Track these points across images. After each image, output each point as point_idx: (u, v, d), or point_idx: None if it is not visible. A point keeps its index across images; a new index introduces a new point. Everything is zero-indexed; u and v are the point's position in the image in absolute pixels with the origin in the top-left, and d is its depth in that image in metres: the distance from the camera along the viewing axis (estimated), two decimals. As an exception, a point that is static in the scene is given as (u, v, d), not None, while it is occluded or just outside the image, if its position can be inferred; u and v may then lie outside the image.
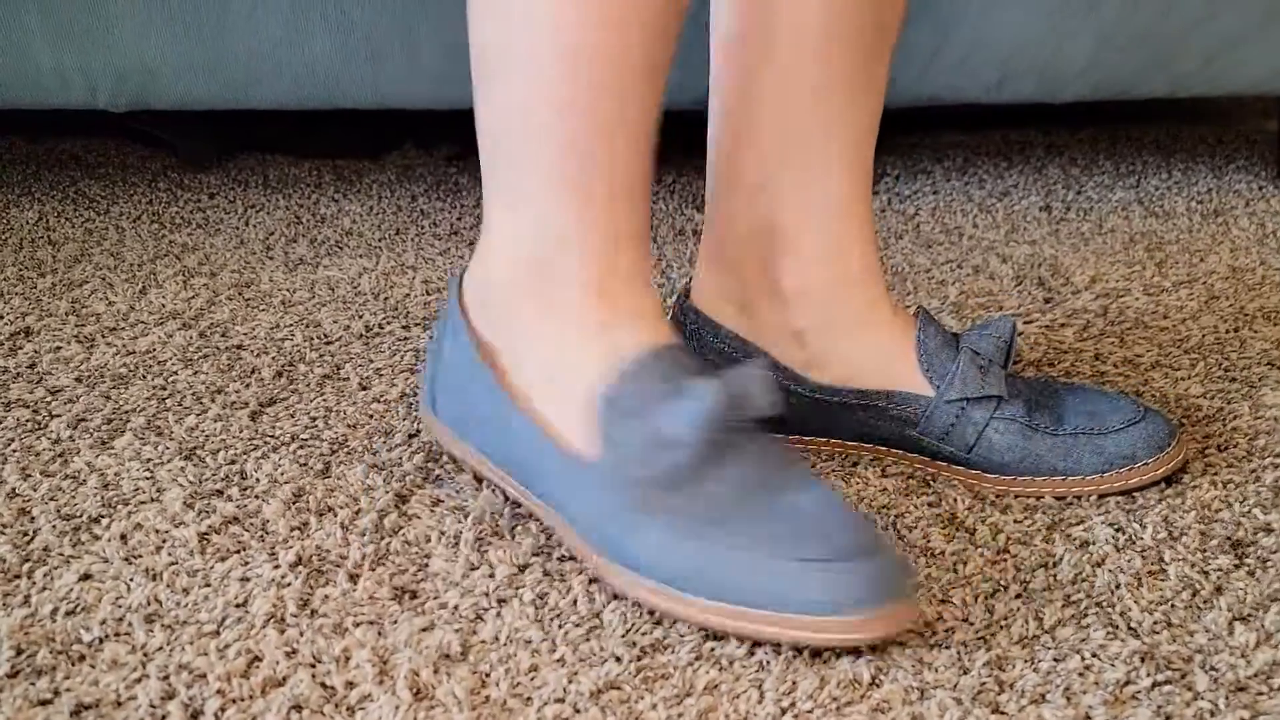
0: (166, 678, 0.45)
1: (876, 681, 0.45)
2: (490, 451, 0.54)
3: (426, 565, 0.52)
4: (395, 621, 0.48)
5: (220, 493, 0.58)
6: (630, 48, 0.48)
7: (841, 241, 0.58)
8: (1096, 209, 1.08)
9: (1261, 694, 0.44)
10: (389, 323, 0.79)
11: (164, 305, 0.82)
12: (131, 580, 0.51)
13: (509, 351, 0.54)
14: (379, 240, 0.97)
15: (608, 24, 0.47)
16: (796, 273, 0.58)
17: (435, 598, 0.50)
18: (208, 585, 0.50)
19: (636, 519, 0.48)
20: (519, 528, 0.55)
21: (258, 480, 0.59)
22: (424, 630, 0.48)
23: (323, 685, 0.44)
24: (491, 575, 0.51)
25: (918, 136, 1.31)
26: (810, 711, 0.43)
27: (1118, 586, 0.51)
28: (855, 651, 0.47)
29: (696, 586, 0.47)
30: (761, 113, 0.56)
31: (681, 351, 0.52)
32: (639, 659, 0.46)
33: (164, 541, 0.53)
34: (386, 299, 0.84)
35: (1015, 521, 0.56)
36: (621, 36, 0.47)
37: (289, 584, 0.50)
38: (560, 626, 0.48)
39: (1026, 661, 0.46)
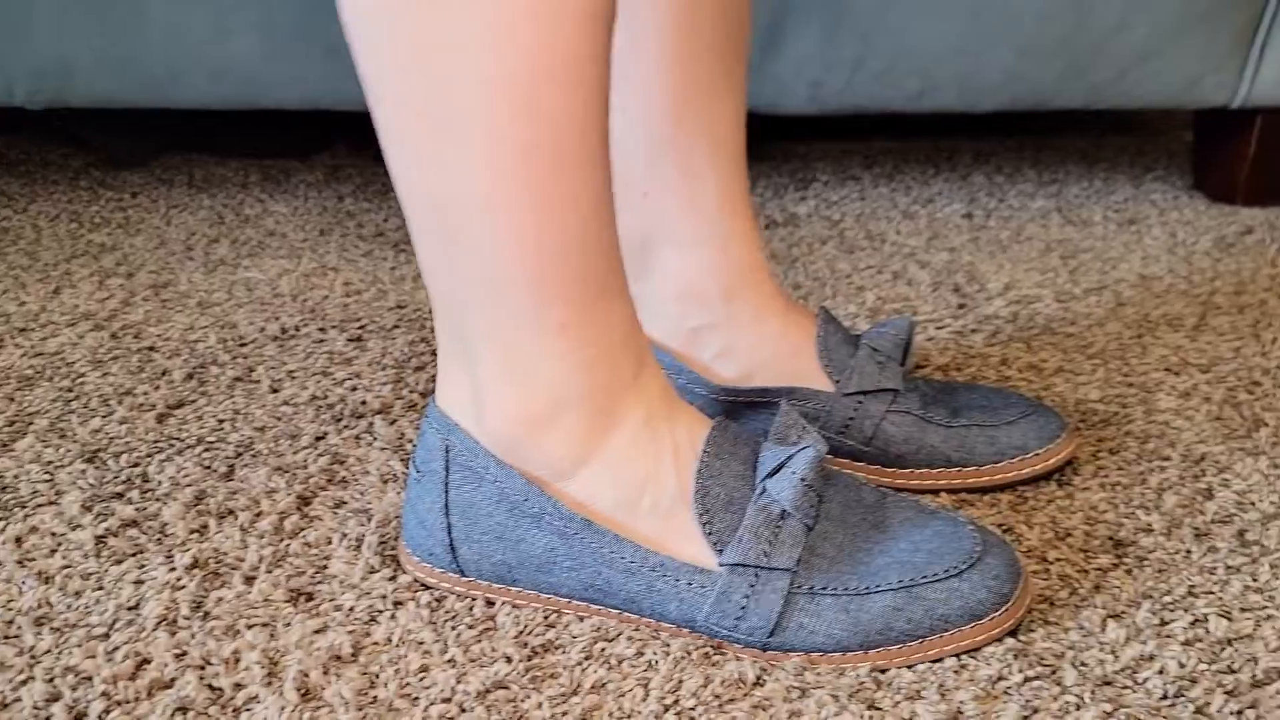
0: (52, 680, 0.45)
1: (760, 681, 0.46)
2: (564, 588, 0.49)
3: (325, 567, 0.52)
4: (288, 624, 0.48)
5: (120, 495, 0.57)
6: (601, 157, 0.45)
7: (724, 238, 0.59)
8: (1017, 217, 1.11)
9: (1126, 688, 0.46)
10: (305, 325, 0.79)
11: (77, 306, 0.81)
12: (24, 583, 0.50)
13: (561, 484, 0.49)
14: (302, 241, 0.96)
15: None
16: (683, 273, 0.59)
17: (331, 600, 0.50)
18: (100, 588, 0.50)
19: (779, 604, 0.47)
20: (421, 530, 0.55)
21: (159, 483, 0.59)
22: (317, 632, 0.48)
23: (210, 687, 0.45)
24: (393, 578, 0.52)
25: (849, 144, 1.34)
26: (693, 709, 0.44)
27: (1001, 586, 0.52)
28: (742, 654, 0.48)
29: (875, 640, 0.47)
30: (628, 121, 0.57)
31: (725, 423, 0.51)
32: (529, 659, 0.47)
33: (59, 545, 0.53)
34: (305, 301, 0.84)
35: (909, 523, 0.57)
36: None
37: (183, 586, 0.50)
38: (453, 628, 0.48)
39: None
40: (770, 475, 0.49)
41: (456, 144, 0.43)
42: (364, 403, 0.68)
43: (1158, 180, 1.23)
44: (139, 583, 0.51)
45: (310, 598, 0.50)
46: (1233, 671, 0.47)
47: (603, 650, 0.47)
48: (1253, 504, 0.60)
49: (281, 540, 0.54)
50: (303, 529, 0.55)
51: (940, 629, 0.47)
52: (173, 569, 0.51)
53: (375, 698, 0.44)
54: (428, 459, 0.50)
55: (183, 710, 0.43)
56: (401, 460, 0.61)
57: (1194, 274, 0.94)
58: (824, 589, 0.47)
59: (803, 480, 0.48)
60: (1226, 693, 0.46)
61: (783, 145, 1.35)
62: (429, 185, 0.44)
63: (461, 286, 0.46)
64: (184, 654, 0.46)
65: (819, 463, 0.49)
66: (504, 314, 0.46)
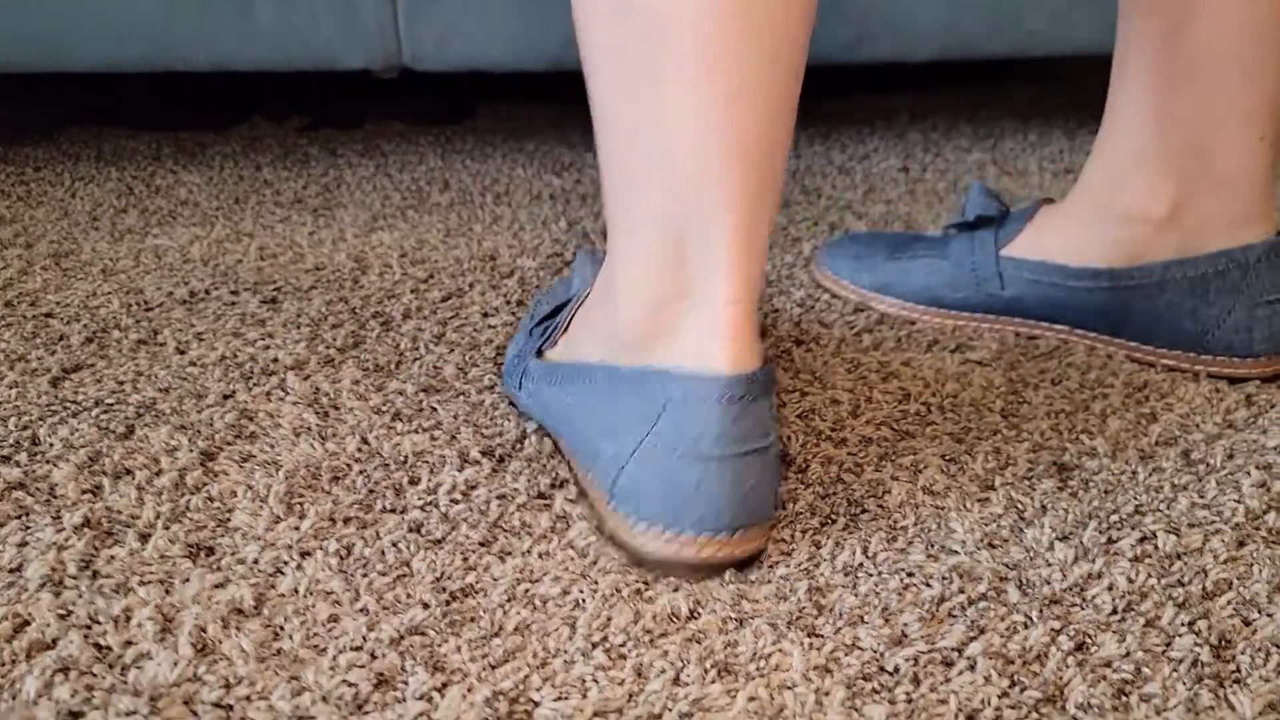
0: (-81, 648, 0.41)
1: (695, 614, 0.44)
2: None
3: (228, 521, 0.49)
4: (186, 579, 0.45)
5: (6, 459, 0.53)
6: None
7: None
8: (953, 169, 1.09)
9: (1075, 605, 0.44)
10: (216, 288, 0.75)
11: (-31, 276, 0.76)
12: (-106, 551, 0.46)
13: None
14: (216, 209, 0.92)
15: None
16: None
17: (233, 553, 0.46)
18: (-21, 552, 0.46)
19: None
20: (340, 481, 0.52)
21: (50, 445, 0.55)
22: (217, 586, 0.44)
23: (96, 646, 0.41)
24: (297, 528, 0.48)
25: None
26: (622, 644, 0.42)
27: (944, 510, 0.50)
28: (677, 587, 0.45)
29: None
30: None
31: None
32: (448, 604, 0.44)
33: (-65, 510, 0.49)
34: (216, 265, 0.79)
35: (849, 454, 0.55)
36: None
37: (71, 546, 0.46)
38: (365, 576, 0.45)
39: (847, 588, 0.45)
40: None
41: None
42: (276, 360, 0.64)
43: (1091, 133, 1.22)
44: (22, 544, 0.47)
45: (211, 552, 0.47)
46: (1183, 585, 0.46)
47: (526, 591, 0.44)
48: (1197, 425, 0.58)
49: (182, 496, 0.50)
50: (205, 484, 0.51)
51: None
52: (60, 529, 0.48)
53: (279, 649, 0.41)
54: None
55: (64, 670, 0.39)
56: (316, 414, 0.58)
57: (1130, 216, 0.93)
58: None
59: None
60: (1177, 605, 0.44)
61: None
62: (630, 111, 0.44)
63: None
64: (69, 614, 0.42)
65: None
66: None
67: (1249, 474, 0.54)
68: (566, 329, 0.55)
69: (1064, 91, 1.45)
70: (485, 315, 0.72)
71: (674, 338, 0.45)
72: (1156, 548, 0.48)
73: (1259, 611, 0.44)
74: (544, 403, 0.54)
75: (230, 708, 0.38)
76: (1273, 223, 0.62)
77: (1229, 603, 0.44)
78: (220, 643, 0.41)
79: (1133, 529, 0.49)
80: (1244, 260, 0.61)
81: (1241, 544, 0.48)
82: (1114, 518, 0.50)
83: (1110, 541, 0.48)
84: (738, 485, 0.44)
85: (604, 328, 0.50)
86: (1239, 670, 0.41)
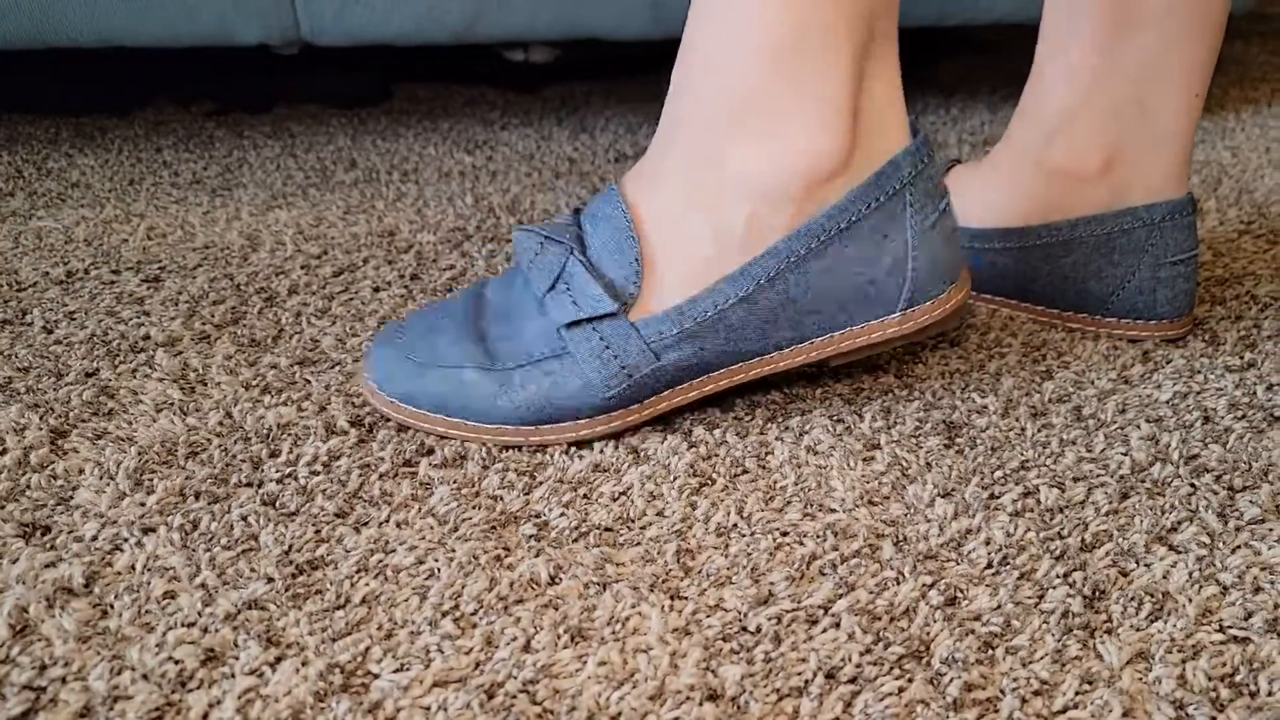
0: None
1: (555, 580, 0.42)
2: None
3: (70, 499, 0.46)
4: (15, 559, 0.42)
5: None
6: None
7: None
8: (873, 143, 1.08)
9: (950, 561, 0.43)
10: (96, 267, 0.72)
11: None
12: None
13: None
14: (108, 191, 0.89)
15: None
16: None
17: (70, 531, 0.44)
18: None
19: None
20: (196, 455, 0.49)
21: (-111, 426, 0.51)
22: (47, 566, 0.42)
23: (-95, 631, 0.38)
24: (143, 504, 0.46)
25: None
26: (474, 613, 0.40)
27: (826, 469, 0.49)
28: (539, 552, 0.43)
29: None
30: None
31: None
32: (294, 577, 0.41)
33: None
34: (100, 245, 0.76)
35: (736, 418, 0.54)
36: None
37: (-107, 528, 0.43)
38: (208, 551, 0.43)
39: (718, 549, 0.43)
40: None
41: None
42: (148, 337, 0.61)
43: (1013, 106, 1.22)
44: None
45: (46, 530, 0.44)
46: (1062, 537, 0.44)
47: (380, 562, 0.42)
48: (1091, 382, 0.57)
49: (23, 474, 0.48)
50: (52, 462, 0.49)
51: None
52: (-114, 512, 0.45)
53: (104, 629, 0.38)
54: None
55: None
56: (182, 389, 0.55)
57: (1045, 184, 0.93)
58: None
59: None
60: (1054, 558, 0.43)
61: (636, 80, 1.31)
62: None
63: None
64: (-119, 598, 0.40)
65: None
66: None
67: (1139, 427, 0.53)
68: (641, 270, 0.49)
69: (987, 66, 1.45)
70: (376, 290, 0.69)
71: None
72: (1038, 502, 0.47)
73: (1136, 562, 0.43)
74: (732, 329, 0.50)
75: (43, 689, 0.36)
76: (1185, 185, 0.61)
77: (1107, 554, 0.43)
78: (41, 623, 0.38)
79: (1016, 484, 0.48)
80: (1149, 219, 0.60)
81: (1125, 496, 0.47)
82: (998, 473, 0.49)
83: (992, 497, 0.47)
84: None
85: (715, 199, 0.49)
86: (1110, 620, 0.40)
